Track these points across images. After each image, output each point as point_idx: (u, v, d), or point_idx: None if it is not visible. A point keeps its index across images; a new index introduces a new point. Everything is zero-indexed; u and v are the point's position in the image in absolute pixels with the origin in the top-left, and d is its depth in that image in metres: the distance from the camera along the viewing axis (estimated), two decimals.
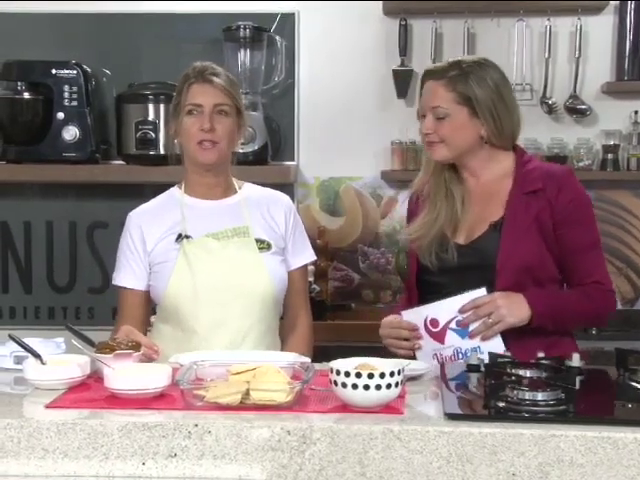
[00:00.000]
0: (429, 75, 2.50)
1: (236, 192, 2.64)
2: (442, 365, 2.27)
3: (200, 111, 2.50)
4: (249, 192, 2.66)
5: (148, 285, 2.57)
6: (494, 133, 2.45)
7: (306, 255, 2.71)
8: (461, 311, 2.38)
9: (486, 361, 2.15)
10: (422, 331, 2.43)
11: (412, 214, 2.64)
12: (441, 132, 2.45)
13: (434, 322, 2.42)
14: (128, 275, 2.58)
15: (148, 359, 2.22)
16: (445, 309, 2.41)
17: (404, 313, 2.49)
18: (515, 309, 2.36)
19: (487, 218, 2.48)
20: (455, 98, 2.44)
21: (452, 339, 2.39)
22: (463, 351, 2.38)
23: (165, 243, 2.56)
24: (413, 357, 2.44)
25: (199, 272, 2.51)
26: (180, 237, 2.55)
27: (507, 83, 2.50)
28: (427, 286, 2.56)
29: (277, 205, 2.66)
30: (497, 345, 2.34)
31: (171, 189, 2.67)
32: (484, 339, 2.36)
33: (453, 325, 2.39)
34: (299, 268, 2.69)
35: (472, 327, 2.37)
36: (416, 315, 2.45)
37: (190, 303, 2.50)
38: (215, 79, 2.52)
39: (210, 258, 2.53)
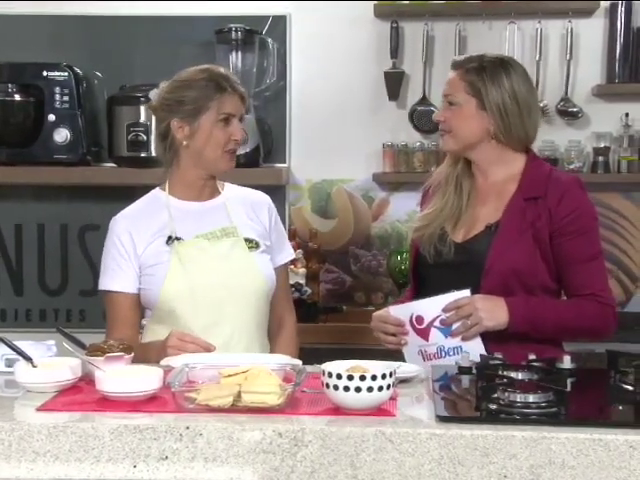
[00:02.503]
0: (452, 66, 2.56)
1: (220, 193, 2.66)
2: (434, 367, 2.28)
3: (231, 121, 2.53)
4: (231, 192, 2.68)
5: (138, 288, 2.57)
6: (501, 130, 2.47)
7: (287, 253, 2.76)
8: (444, 310, 2.40)
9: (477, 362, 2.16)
10: (408, 327, 2.46)
11: (423, 204, 2.68)
12: (449, 120, 2.50)
13: (419, 319, 2.45)
14: (121, 279, 2.56)
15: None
16: (431, 307, 2.43)
17: (392, 308, 2.53)
18: (493, 313, 2.38)
19: (485, 219, 2.51)
20: (465, 88, 2.48)
21: (436, 337, 2.42)
22: (446, 349, 2.41)
23: (155, 245, 2.56)
24: (400, 352, 2.49)
25: (194, 273, 2.52)
26: (170, 239, 2.55)
27: (529, 88, 2.52)
28: (423, 279, 2.60)
29: (260, 204, 2.70)
30: (477, 346, 2.37)
31: (153, 192, 2.66)
32: (464, 339, 2.39)
33: (437, 323, 2.42)
34: (282, 266, 2.72)
35: (455, 327, 2.40)
36: (403, 311, 2.49)
37: (186, 303, 2.51)
38: (240, 88, 2.57)
39: (203, 258, 2.54)
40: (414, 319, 2.45)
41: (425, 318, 2.43)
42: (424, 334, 2.43)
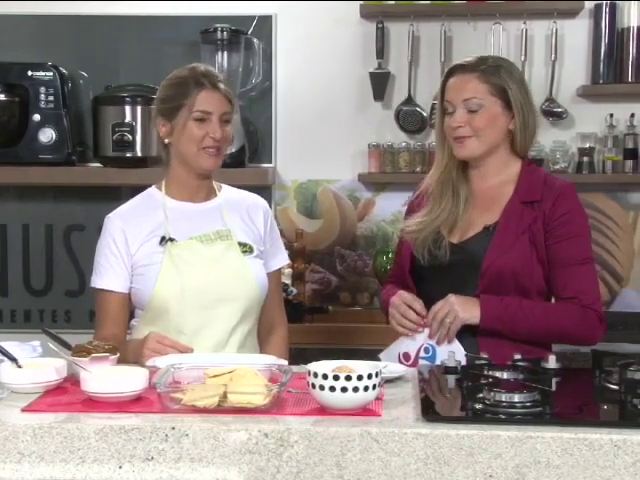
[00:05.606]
0: (459, 69, 2.51)
1: (216, 195, 2.65)
2: (419, 368, 2.29)
3: (209, 118, 2.51)
4: (228, 195, 2.67)
5: (130, 288, 2.57)
6: (521, 128, 2.49)
7: (282, 258, 2.75)
8: (426, 323, 2.43)
9: (463, 363, 2.17)
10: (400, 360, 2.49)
11: (412, 210, 2.66)
12: (474, 125, 2.47)
13: (406, 356, 2.48)
14: (111, 278, 2.55)
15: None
16: (412, 342, 2.47)
17: (381, 355, 2.54)
18: (466, 306, 2.40)
19: (483, 221, 2.52)
20: (489, 89, 2.48)
21: None
22: None
23: (149, 245, 2.55)
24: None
25: (186, 274, 2.51)
26: (164, 240, 2.54)
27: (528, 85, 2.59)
28: (420, 280, 2.60)
29: (256, 208, 2.68)
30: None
31: (149, 190, 2.66)
32: (440, 342, 2.41)
33: (422, 354, 2.45)
34: (275, 271, 2.71)
35: (437, 336, 2.43)
36: (390, 353, 2.52)
37: (178, 305, 2.50)
38: (222, 86, 2.54)
39: (196, 261, 2.53)
40: (401, 357, 2.49)
41: (411, 353, 2.47)
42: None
